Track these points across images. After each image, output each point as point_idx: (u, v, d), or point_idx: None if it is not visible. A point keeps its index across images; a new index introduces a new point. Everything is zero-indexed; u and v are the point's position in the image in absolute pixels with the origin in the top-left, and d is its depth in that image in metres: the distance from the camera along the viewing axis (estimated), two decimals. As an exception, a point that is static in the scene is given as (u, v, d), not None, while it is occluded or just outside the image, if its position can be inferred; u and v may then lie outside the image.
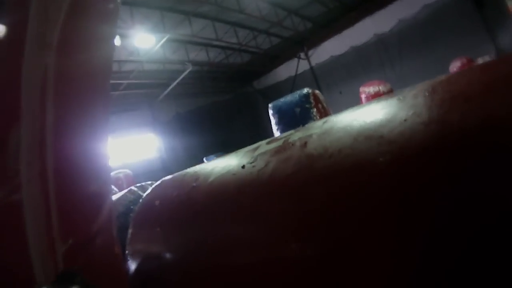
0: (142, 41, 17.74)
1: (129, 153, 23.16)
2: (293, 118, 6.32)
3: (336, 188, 1.05)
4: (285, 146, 1.27)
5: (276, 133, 6.46)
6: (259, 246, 1.23)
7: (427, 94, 1.04)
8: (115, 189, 5.66)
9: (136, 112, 24.39)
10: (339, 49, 24.14)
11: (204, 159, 20.03)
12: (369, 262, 0.98)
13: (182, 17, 17.70)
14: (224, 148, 23.20)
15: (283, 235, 1.15)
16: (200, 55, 22.27)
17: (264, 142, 1.51)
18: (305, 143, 1.20)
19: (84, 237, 1.20)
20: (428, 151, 0.91)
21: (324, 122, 1.29)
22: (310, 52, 25.76)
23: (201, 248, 1.44)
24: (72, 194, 1.19)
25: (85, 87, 1.30)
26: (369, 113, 1.14)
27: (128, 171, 9.12)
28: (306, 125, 1.43)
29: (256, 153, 1.39)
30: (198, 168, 1.83)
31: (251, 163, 1.34)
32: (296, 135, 1.32)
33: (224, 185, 1.40)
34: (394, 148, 0.95)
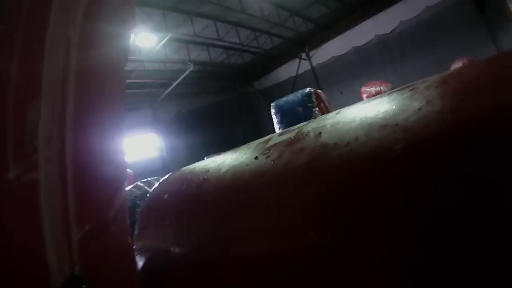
0: (144, 41, 17.73)
1: (130, 152, 23.13)
2: (295, 117, 6.32)
3: (352, 176, 1.06)
4: (299, 136, 1.28)
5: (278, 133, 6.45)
6: (276, 235, 1.24)
7: (439, 85, 1.06)
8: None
9: (137, 112, 24.34)
10: (340, 49, 24.10)
11: (206, 158, 19.85)
12: (387, 247, 0.99)
13: (184, 16, 17.68)
14: (225, 148, 22.97)
15: (300, 223, 1.16)
16: (201, 55, 22.25)
17: (275, 134, 1.52)
18: (320, 133, 1.21)
19: (100, 223, 1.18)
20: (443, 138, 0.92)
21: (337, 113, 1.30)
22: (311, 53, 25.73)
23: (215, 239, 1.44)
24: (90, 177, 1.17)
25: (106, 66, 1.29)
26: (383, 104, 1.15)
27: (129, 170, 9.12)
28: (318, 117, 1.44)
29: (269, 144, 1.40)
30: (207, 161, 1.83)
31: (264, 154, 1.35)
32: (309, 126, 1.33)
33: (237, 176, 1.40)
34: (410, 135, 0.97)
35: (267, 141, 1.48)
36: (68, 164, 1.06)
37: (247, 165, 1.39)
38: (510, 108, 0.86)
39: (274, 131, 6.62)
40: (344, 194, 1.07)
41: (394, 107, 1.09)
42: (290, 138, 1.33)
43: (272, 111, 6.82)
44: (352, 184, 1.06)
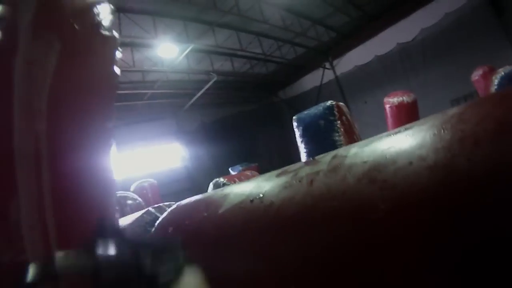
0: (166, 51, 17.86)
1: (154, 162, 23.31)
2: (317, 131, 6.30)
3: (336, 233, 1.04)
4: (293, 182, 1.26)
5: (301, 146, 6.46)
6: (261, 286, 1.22)
7: (436, 132, 1.02)
8: (139, 199, 5.70)
9: (161, 122, 24.54)
10: (363, 58, 24.05)
11: (230, 169, 20.02)
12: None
13: (205, 27, 17.75)
14: (249, 158, 23.18)
15: (283, 276, 1.15)
16: (225, 65, 22.32)
17: (274, 173, 1.50)
18: (311, 181, 1.19)
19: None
20: (431, 199, 0.88)
21: (333, 157, 1.27)
22: (334, 62, 25.68)
23: (209, 282, 1.44)
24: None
25: (84, 142, 1.28)
26: (376, 150, 1.12)
27: (153, 180, 9.27)
28: (317, 158, 1.41)
29: (266, 186, 1.38)
30: (211, 194, 1.82)
31: (259, 197, 1.33)
32: (304, 170, 1.31)
33: (232, 219, 1.40)
34: (397, 194, 0.93)
35: (266, 179, 1.46)
36: (52, 243, 1.09)
37: (243, 208, 1.38)
38: (509, 166, 0.82)
39: (297, 142, 6.65)
40: (325, 252, 1.05)
41: (387, 156, 1.05)
42: (286, 182, 1.31)
43: (294, 124, 6.83)
44: (334, 242, 1.04)
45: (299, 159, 6.91)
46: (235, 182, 12.74)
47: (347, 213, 1.02)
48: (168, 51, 17.87)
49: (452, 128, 1.00)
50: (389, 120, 12.79)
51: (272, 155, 28.46)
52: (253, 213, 1.32)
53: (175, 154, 25.23)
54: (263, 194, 1.34)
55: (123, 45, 17.16)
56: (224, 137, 25.97)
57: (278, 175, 1.44)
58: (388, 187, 0.96)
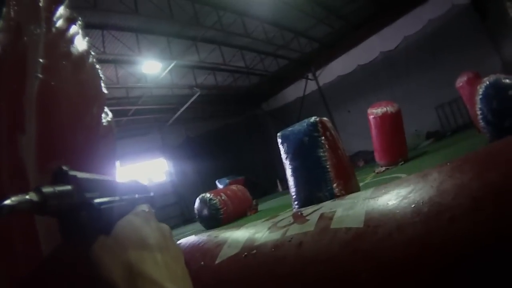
0: (149, 68, 17.91)
1: (140, 178, 23.26)
2: (301, 148, 6.40)
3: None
4: (283, 241, 1.31)
5: (286, 162, 6.53)
6: None
7: (415, 204, 1.07)
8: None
9: (146, 137, 24.52)
10: (346, 68, 24.12)
11: (217, 182, 20.07)
12: None
13: (188, 42, 17.82)
14: (235, 171, 23.14)
15: None
16: (208, 79, 22.33)
17: (266, 225, 1.53)
18: (300, 243, 1.25)
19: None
20: (408, 272, 0.97)
21: (320, 218, 1.32)
22: (317, 73, 25.71)
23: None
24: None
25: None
26: (359, 216, 1.18)
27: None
28: (303, 212, 1.46)
29: (258, 241, 1.42)
30: (206, 240, 1.81)
31: (252, 252, 1.38)
32: (293, 228, 1.35)
33: (228, 272, 1.43)
34: (377, 265, 1.01)
35: (258, 231, 1.51)
36: None
37: (238, 261, 1.42)
38: (480, 242, 0.89)
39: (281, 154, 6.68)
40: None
41: (369, 225, 1.13)
42: (277, 240, 1.36)
43: (279, 141, 6.90)
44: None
45: (284, 174, 6.97)
46: (221, 196, 12.56)
47: (333, 279, 1.08)
48: (152, 67, 17.91)
49: (430, 201, 1.05)
50: (373, 131, 12.88)
51: (257, 166, 28.37)
52: (248, 268, 1.36)
53: (161, 169, 25.20)
54: (256, 250, 1.40)
55: (107, 62, 17.20)
56: (209, 150, 25.96)
57: (269, 228, 1.49)
58: (369, 258, 1.03)
